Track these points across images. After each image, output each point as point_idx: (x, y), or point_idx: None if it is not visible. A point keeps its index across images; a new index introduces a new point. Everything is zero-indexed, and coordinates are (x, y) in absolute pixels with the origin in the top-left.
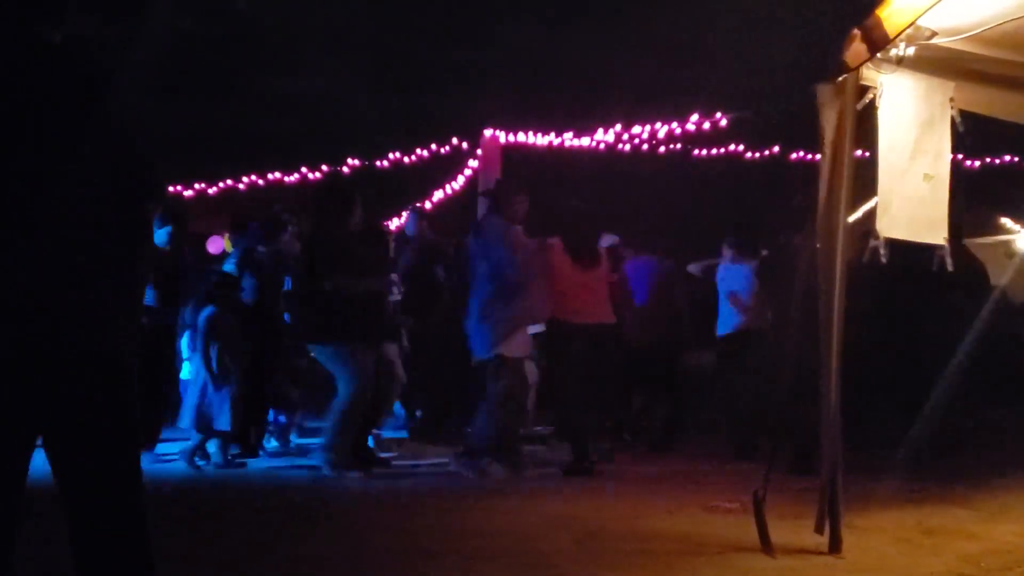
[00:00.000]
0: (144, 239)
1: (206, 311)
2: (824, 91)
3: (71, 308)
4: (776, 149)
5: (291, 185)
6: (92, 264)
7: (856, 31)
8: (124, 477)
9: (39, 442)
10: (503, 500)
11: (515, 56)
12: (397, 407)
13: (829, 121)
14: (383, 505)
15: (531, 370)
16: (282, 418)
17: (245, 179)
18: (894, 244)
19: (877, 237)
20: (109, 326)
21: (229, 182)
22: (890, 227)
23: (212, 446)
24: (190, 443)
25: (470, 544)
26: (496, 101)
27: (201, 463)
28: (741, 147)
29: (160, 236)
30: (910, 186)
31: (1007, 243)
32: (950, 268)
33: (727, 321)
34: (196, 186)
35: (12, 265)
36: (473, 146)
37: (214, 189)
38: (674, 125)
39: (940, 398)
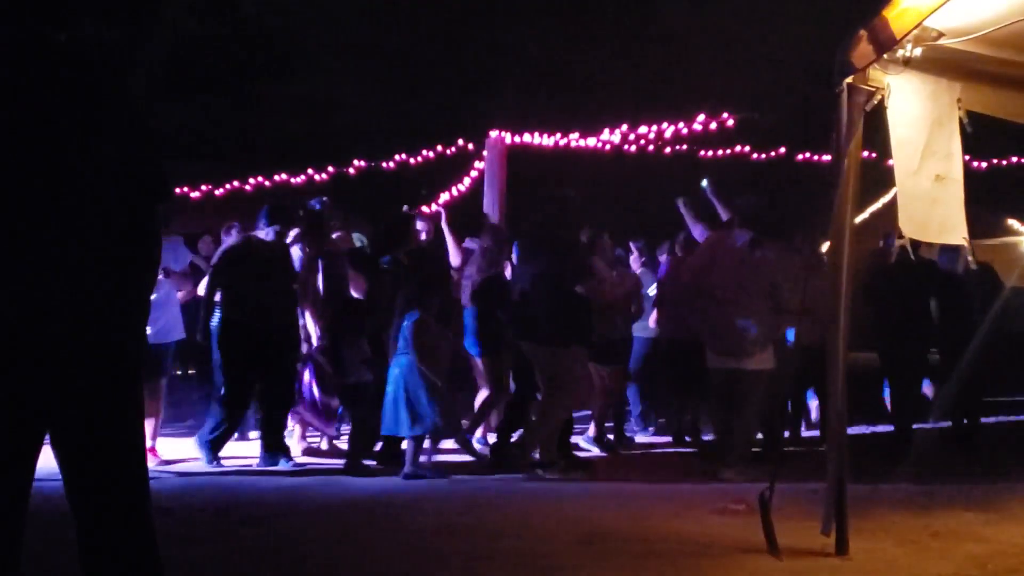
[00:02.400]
0: (152, 239)
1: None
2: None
3: (79, 307)
4: (783, 150)
5: (297, 186)
6: (100, 264)
7: (863, 32)
8: (130, 477)
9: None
10: (508, 501)
11: (521, 57)
12: None
13: (838, 122)
14: (386, 505)
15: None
16: None
17: (252, 180)
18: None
19: (901, 236)
20: (117, 325)
21: (235, 183)
22: (909, 227)
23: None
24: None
25: (475, 545)
26: (502, 102)
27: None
28: (748, 148)
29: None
30: (922, 187)
31: (1016, 244)
32: (973, 266)
33: None
34: (202, 187)
35: (20, 264)
36: (479, 147)
37: (220, 190)
38: (680, 126)
39: (951, 395)
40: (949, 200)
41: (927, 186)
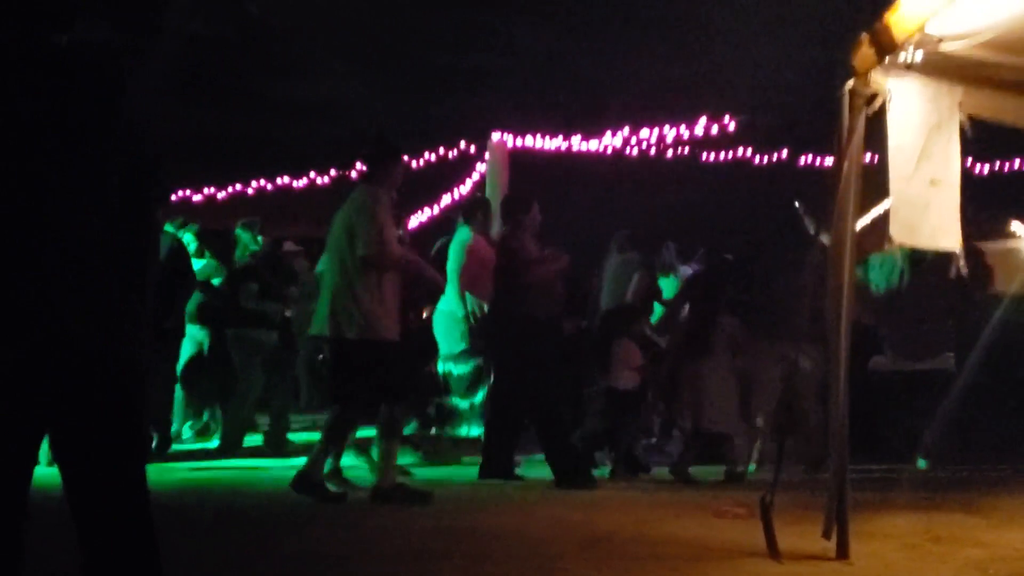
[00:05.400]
0: (150, 242)
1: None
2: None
3: (77, 310)
4: (784, 154)
5: (299, 190)
6: (98, 267)
7: (864, 36)
8: (129, 480)
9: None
10: (510, 503)
11: (523, 60)
12: None
13: (840, 126)
14: (383, 507)
15: None
16: None
17: (254, 183)
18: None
19: (891, 242)
20: (115, 328)
21: (238, 186)
22: (900, 233)
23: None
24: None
25: (477, 546)
26: (504, 105)
27: None
28: (749, 151)
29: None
30: (916, 191)
31: (1017, 249)
32: (963, 272)
33: None
34: (205, 190)
35: (19, 267)
36: (481, 150)
37: (223, 193)
38: (682, 129)
39: (954, 403)
40: (944, 205)
41: (921, 191)
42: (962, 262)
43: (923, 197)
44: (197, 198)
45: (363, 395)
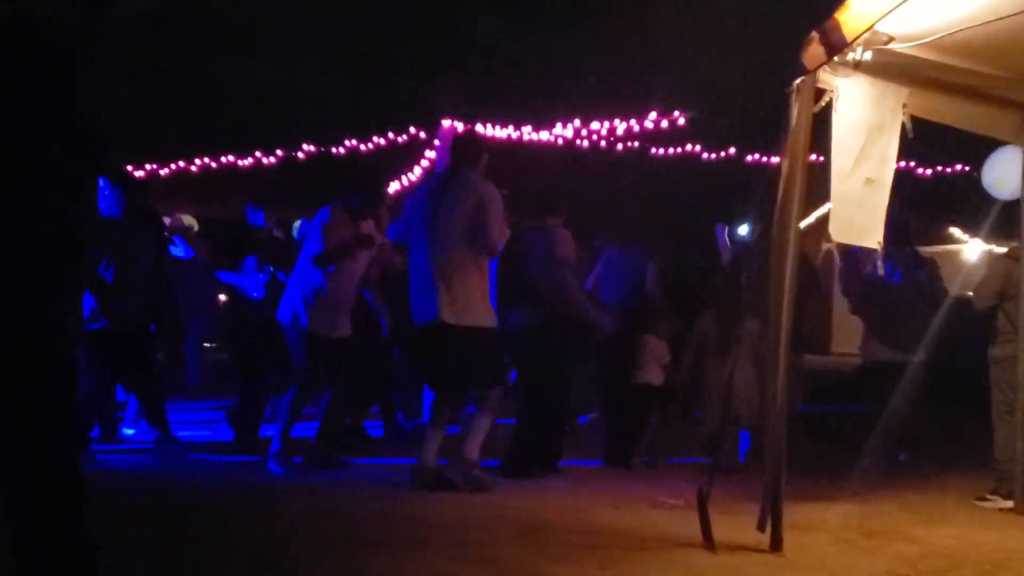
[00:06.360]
0: (90, 221)
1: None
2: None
3: (9, 292)
4: (732, 151)
5: (244, 169)
6: (35, 247)
7: (814, 34)
8: (59, 467)
9: None
10: (449, 491)
11: (475, 47)
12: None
13: (787, 123)
14: (323, 493)
15: None
16: None
17: (197, 161)
18: None
19: (830, 240)
20: (49, 312)
21: (181, 164)
22: (837, 230)
23: None
24: None
25: (412, 532)
26: (455, 91)
27: None
28: (698, 147)
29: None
30: (852, 189)
31: (957, 252)
32: (880, 272)
33: None
34: (147, 167)
35: None
36: (431, 136)
37: (166, 171)
38: (632, 122)
39: (896, 403)
40: (874, 204)
41: (856, 189)
42: (880, 262)
43: (857, 195)
44: (139, 174)
45: (469, 380)
